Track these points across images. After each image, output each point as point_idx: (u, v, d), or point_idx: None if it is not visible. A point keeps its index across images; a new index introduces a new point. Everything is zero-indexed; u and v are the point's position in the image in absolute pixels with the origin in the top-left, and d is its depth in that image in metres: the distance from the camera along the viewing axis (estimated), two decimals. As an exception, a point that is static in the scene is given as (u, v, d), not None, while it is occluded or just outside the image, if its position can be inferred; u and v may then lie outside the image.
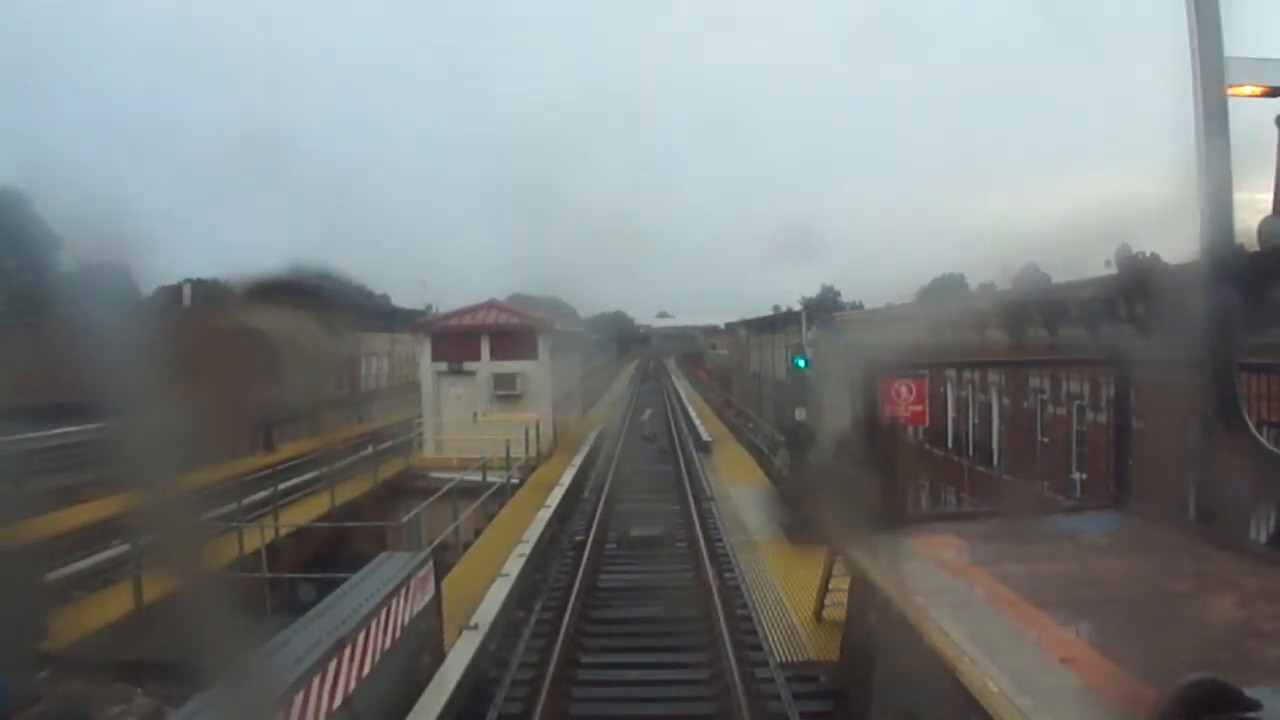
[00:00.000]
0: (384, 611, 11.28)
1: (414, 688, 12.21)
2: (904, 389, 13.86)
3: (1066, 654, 7.62)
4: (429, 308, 60.21)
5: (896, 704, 10.10)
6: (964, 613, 8.98)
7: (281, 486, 27.55)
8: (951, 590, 9.89)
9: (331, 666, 9.56)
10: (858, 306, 55.67)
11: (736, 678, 13.60)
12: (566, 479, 31.40)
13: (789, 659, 14.54)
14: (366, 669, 10.48)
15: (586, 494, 31.44)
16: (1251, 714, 2.55)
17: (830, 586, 15.18)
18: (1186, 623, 8.46)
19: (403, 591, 12.06)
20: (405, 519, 20.52)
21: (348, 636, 10.06)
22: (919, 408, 13.94)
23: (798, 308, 53.89)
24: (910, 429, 18.66)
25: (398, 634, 11.70)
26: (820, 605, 15.65)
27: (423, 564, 13.24)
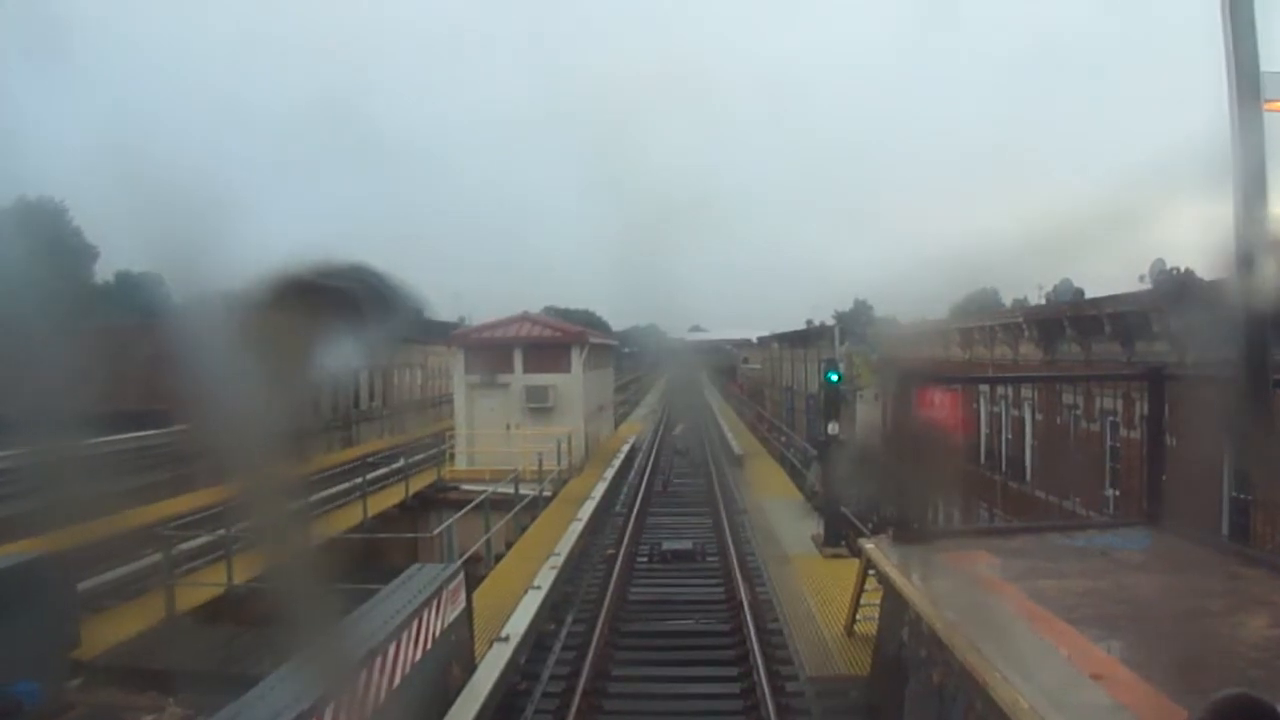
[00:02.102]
0: (415, 623, 11.30)
1: (445, 699, 12.25)
2: (937, 402, 13.79)
3: (1098, 670, 7.59)
4: (462, 320, 60.39)
5: (927, 720, 10.06)
6: (996, 628, 8.95)
7: (315, 498, 27.67)
8: (984, 606, 9.86)
9: (362, 678, 9.60)
10: (891, 321, 55.35)
11: (766, 692, 13.58)
12: (598, 492, 31.44)
13: (819, 674, 14.48)
14: (397, 680, 10.50)
15: (618, 507, 31.46)
16: None
17: (862, 601, 15.12)
18: (1219, 640, 8.41)
19: (434, 603, 12.08)
20: (437, 530, 20.56)
21: (378, 648, 10.09)
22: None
23: (830, 322, 53.83)
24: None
25: (429, 645, 11.72)
26: (852, 619, 15.59)
27: (454, 576, 13.26)
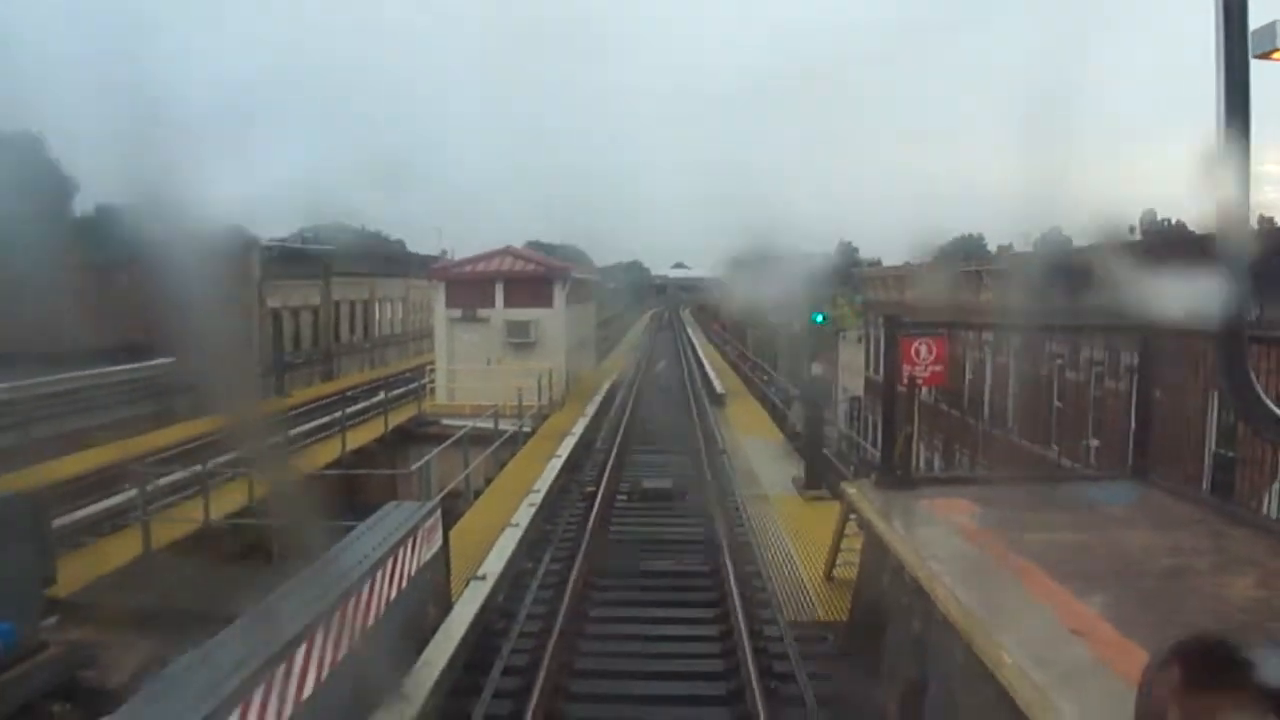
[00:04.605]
0: (390, 562, 11.16)
1: (421, 638, 12.14)
2: (923, 348, 13.57)
3: (1080, 627, 7.50)
4: (444, 253, 60.17)
5: (906, 670, 9.98)
6: (978, 580, 8.86)
7: (293, 432, 27.54)
8: (966, 556, 9.77)
9: (336, 618, 9.45)
10: (876, 263, 55.47)
11: (744, 636, 13.48)
12: (579, 428, 31.36)
13: (797, 618, 14.41)
14: (371, 620, 10.37)
15: (599, 444, 31.35)
16: (1245, 672, 2.45)
17: (842, 546, 15.03)
18: (1205, 599, 8.33)
19: (410, 542, 11.93)
20: (414, 467, 20.42)
21: (352, 587, 9.94)
22: (938, 368, 13.63)
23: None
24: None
25: (404, 584, 11.59)
26: (831, 564, 15.51)
27: (430, 514, 13.10)
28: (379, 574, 10.75)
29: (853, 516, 13.87)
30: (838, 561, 15.31)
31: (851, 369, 44.93)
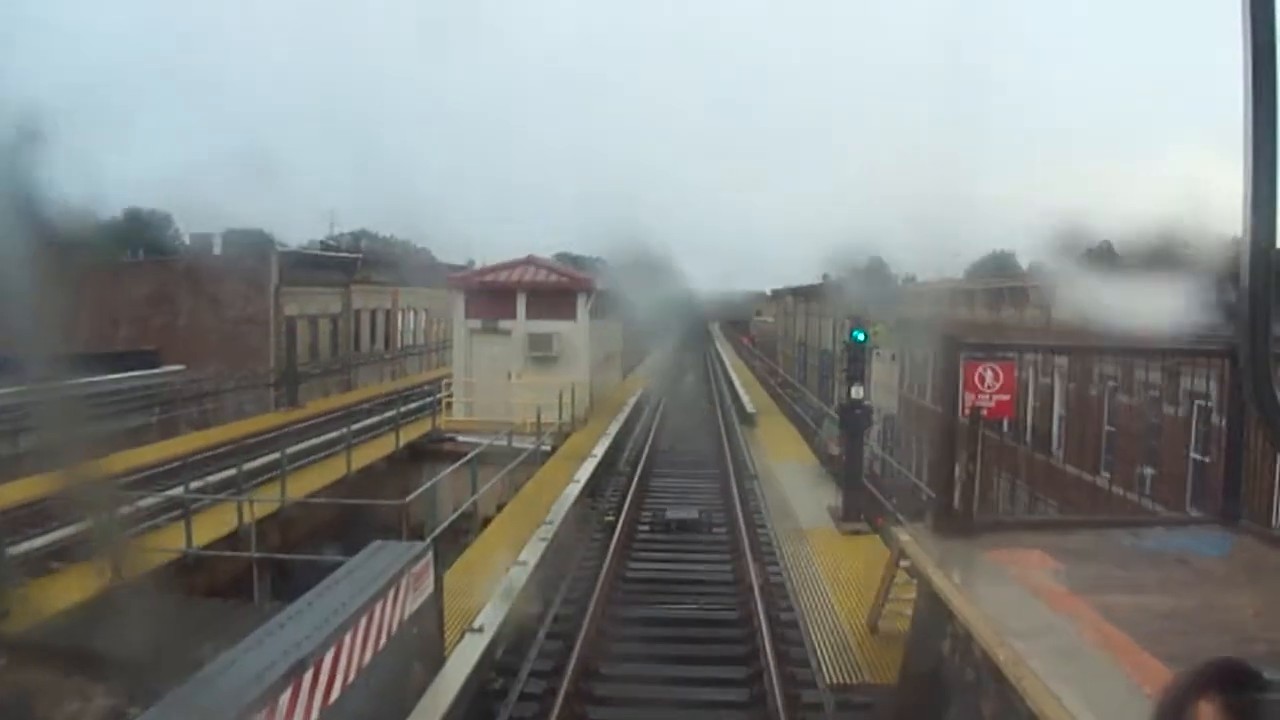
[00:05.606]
0: (364, 618, 9.51)
1: (401, 704, 10.47)
2: (989, 374, 11.84)
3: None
4: (471, 263, 59.12)
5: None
6: (1073, 665, 7.16)
7: (296, 449, 26.02)
8: (1051, 629, 8.03)
9: (286, 694, 7.82)
10: (911, 279, 53.91)
11: (780, 703, 11.79)
12: (600, 449, 29.71)
13: (840, 680, 12.65)
14: (335, 694, 8.70)
15: (621, 466, 29.80)
16: (1266, 694, 2.27)
17: (891, 595, 13.30)
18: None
19: (392, 591, 10.29)
20: (411, 496, 18.82)
21: (310, 656, 8.28)
22: (1005, 397, 11.90)
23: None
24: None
25: (383, 642, 9.95)
26: (877, 615, 13.79)
27: (420, 556, 11.43)
28: (348, 636, 9.11)
29: (903, 563, 12.15)
30: (884, 611, 13.61)
31: (884, 387, 43.35)
